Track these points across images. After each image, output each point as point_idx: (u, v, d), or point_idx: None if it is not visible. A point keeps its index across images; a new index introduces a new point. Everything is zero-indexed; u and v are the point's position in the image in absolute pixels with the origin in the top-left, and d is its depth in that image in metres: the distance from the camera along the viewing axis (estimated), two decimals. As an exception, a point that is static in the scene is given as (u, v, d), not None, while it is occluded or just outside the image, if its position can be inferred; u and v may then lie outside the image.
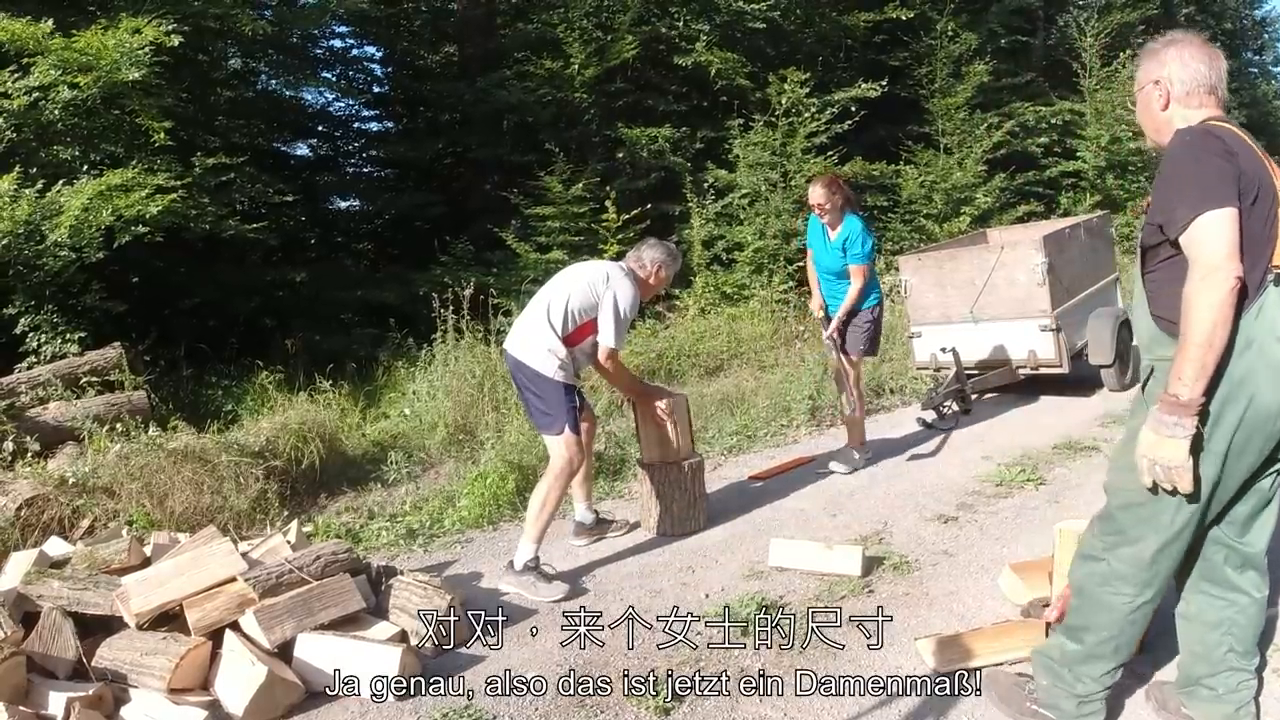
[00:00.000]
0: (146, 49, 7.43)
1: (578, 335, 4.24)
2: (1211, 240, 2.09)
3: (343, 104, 14.15)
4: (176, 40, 7.57)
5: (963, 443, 6.36)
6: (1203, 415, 2.17)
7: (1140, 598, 2.39)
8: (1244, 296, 2.13)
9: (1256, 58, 30.59)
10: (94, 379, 6.39)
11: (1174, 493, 2.22)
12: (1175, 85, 2.36)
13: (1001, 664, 3.04)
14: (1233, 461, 2.23)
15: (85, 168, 8.02)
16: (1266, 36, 31.13)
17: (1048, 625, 3.14)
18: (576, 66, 11.78)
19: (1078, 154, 16.13)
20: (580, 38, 11.81)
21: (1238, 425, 2.19)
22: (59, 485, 4.84)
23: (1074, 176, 16.38)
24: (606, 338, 4.20)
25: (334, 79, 13.28)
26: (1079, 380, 7.33)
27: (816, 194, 5.56)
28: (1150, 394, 2.31)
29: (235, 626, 3.21)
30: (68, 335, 7.08)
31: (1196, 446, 2.17)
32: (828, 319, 5.78)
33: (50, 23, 7.27)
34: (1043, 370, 7.09)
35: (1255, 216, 2.16)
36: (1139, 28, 17.67)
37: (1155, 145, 2.49)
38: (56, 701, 2.81)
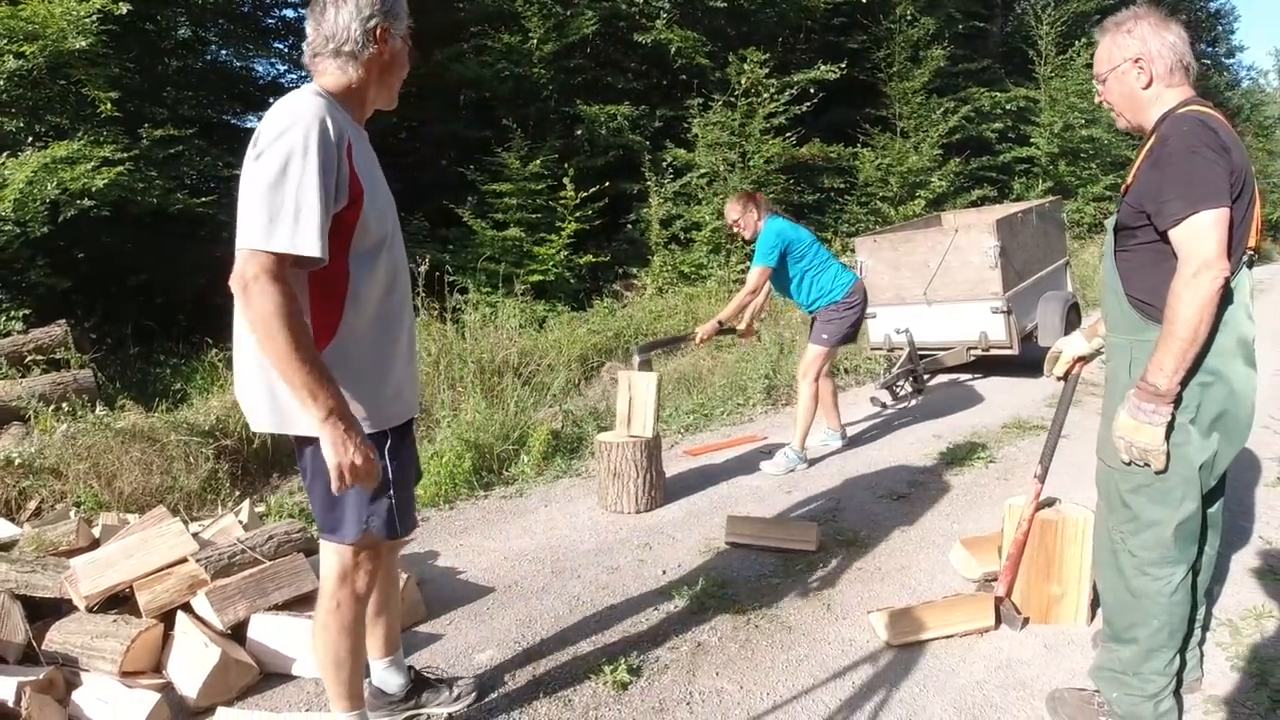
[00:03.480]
0: (93, 17, 7.23)
1: (319, 298, 2.18)
2: (1204, 240, 2.11)
3: (294, 76, 13.79)
4: (124, 8, 7.37)
5: (915, 422, 6.47)
6: (1191, 394, 2.25)
7: (1176, 575, 2.38)
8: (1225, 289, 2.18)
9: (1210, 50, 31.24)
10: (39, 357, 6.23)
11: (1167, 468, 2.29)
12: (1157, 63, 2.34)
13: (956, 634, 3.12)
14: (1224, 432, 2.31)
15: (30, 139, 7.79)
16: (1220, 29, 31.78)
17: (998, 600, 3.23)
18: (535, 41, 11.66)
19: (1031, 140, 16.41)
20: (539, 12, 11.69)
21: (1225, 398, 2.27)
22: (4, 466, 4.73)
23: (1027, 162, 16.66)
24: (248, 231, 1.99)
25: (286, 50, 12.99)
26: (1028, 362, 7.47)
27: (729, 211, 5.56)
28: (1135, 375, 2.33)
29: (187, 608, 3.17)
30: (11, 312, 6.90)
31: (1169, 430, 2.25)
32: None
33: (-6, -10, 7.05)
34: (993, 351, 7.22)
35: (1238, 210, 2.19)
36: (1094, 17, 17.95)
37: (1131, 126, 2.48)
38: (6, 686, 2.75)
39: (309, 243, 1.97)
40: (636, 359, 5.13)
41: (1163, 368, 2.19)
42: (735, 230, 5.58)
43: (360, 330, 2.21)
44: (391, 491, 2.31)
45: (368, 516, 2.29)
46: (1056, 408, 3.21)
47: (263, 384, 2.17)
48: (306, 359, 1.97)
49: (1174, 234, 2.17)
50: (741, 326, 5.66)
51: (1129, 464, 2.33)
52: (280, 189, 1.97)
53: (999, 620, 3.21)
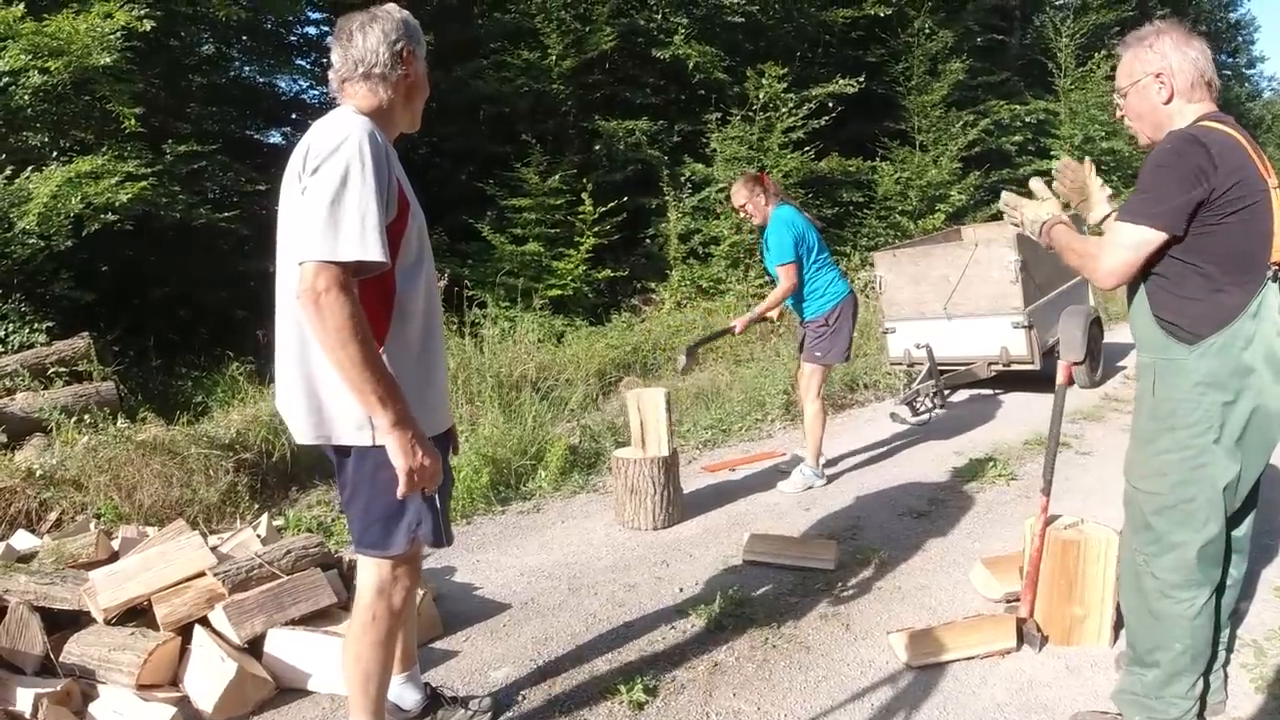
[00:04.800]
0: (118, 34, 7.33)
1: (369, 309, 2.12)
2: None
3: (317, 92, 13.95)
4: (149, 25, 7.47)
5: (935, 438, 6.41)
6: (1214, 413, 2.25)
7: (1199, 598, 2.36)
8: (1199, 308, 2.23)
9: (1230, 60, 31.08)
10: (62, 369, 6.29)
11: (1188, 491, 2.31)
12: (1178, 77, 2.34)
13: (977, 655, 3.08)
14: (1248, 452, 2.30)
15: (55, 154, 7.91)
16: (1240, 39, 31.62)
17: (1019, 621, 3.19)
18: (554, 57, 11.73)
19: (1052, 153, 16.30)
20: (558, 28, 11.76)
21: (1249, 416, 2.26)
22: (26, 477, 4.77)
23: (1048, 175, 16.54)
24: (315, 244, 2.01)
25: (308, 66, 13.14)
26: (1050, 376, 7.37)
27: (736, 195, 5.32)
28: (1160, 393, 2.34)
29: (205, 622, 3.18)
30: (35, 325, 6.97)
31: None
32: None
33: (22, 6, 7.14)
34: (1014, 366, 7.16)
35: (1246, 222, 2.18)
36: (1114, 29, 17.90)
37: (1152, 142, 2.44)
38: (24, 697, 2.77)
39: (375, 249, 2.02)
40: (683, 359, 5.28)
41: (1056, 239, 2.55)
42: (744, 215, 5.41)
43: (406, 341, 2.27)
44: (438, 500, 2.34)
45: (417, 525, 2.32)
46: (1051, 420, 3.20)
47: (307, 396, 2.22)
48: (377, 367, 2.04)
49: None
50: (774, 315, 5.60)
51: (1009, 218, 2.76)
52: (343, 200, 2.02)
53: (1020, 641, 3.16)
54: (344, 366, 2.00)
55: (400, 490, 2.10)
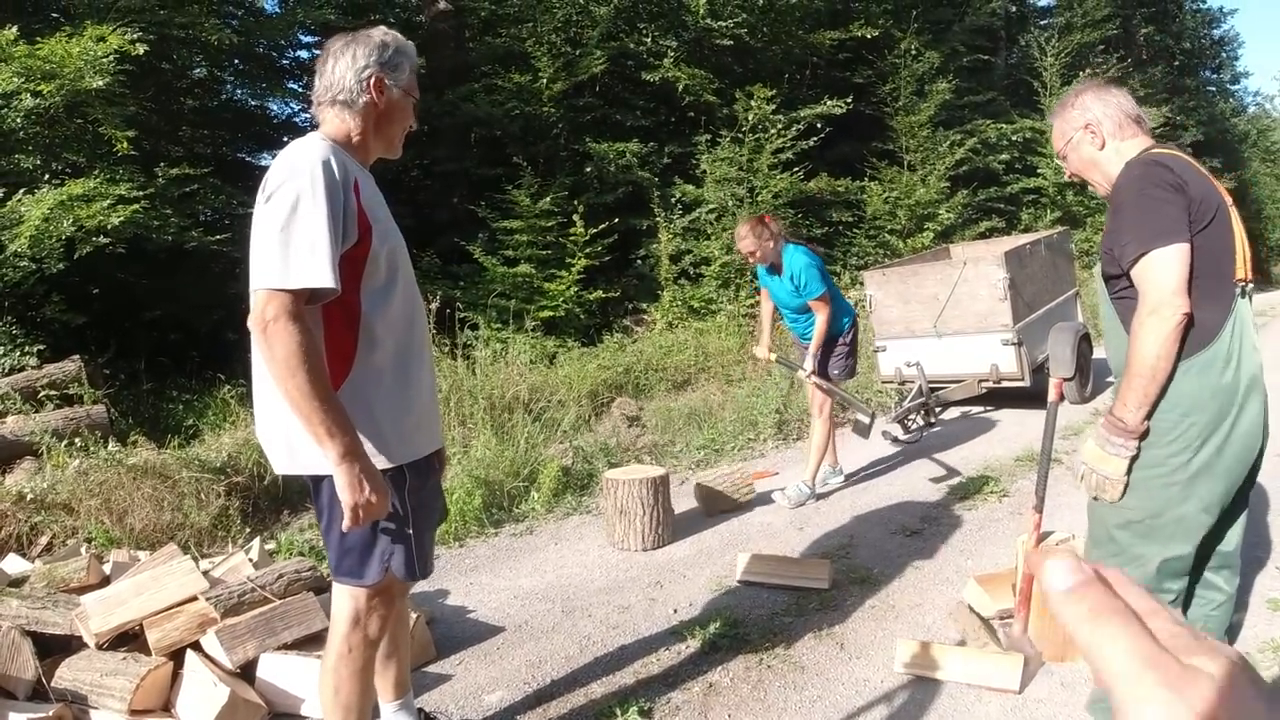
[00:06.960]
0: (111, 57, 7.35)
1: (334, 333, 2.17)
2: (1158, 277, 2.15)
3: (309, 115, 14.02)
4: (141, 49, 7.49)
5: (927, 456, 6.43)
6: (1192, 432, 2.26)
7: None
8: (1189, 327, 2.19)
9: (1214, 76, 31.46)
10: (52, 392, 6.26)
11: (1122, 499, 2.31)
12: (1105, 123, 2.41)
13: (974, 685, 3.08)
14: (1230, 471, 2.31)
15: (47, 177, 7.89)
16: (1224, 55, 32.00)
17: (1017, 637, 3.19)
18: (545, 80, 11.80)
19: (1038, 171, 16.46)
20: (549, 52, 11.84)
21: (1228, 436, 2.27)
22: (16, 501, 4.75)
23: (1035, 193, 16.71)
24: (264, 272, 2.01)
25: (300, 89, 13.21)
26: (1040, 393, 7.43)
27: (743, 243, 5.18)
28: None
29: (197, 646, 3.16)
30: (26, 348, 6.94)
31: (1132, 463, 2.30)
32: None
33: (14, 30, 7.16)
34: (1005, 383, 7.20)
35: (1214, 237, 2.20)
36: (1098, 48, 18.13)
37: (1103, 191, 2.47)
38: (14, 724, 2.75)
39: (323, 275, 1.98)
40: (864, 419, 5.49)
41: (1126, 404, 2.25)
42: (750, 260, 5.30)
43: (377, 367, 2.21)
44: (411, 531, 2.29)
45: (389, 556, 2.27)
46: (1043, 437, 3.22)
47: (280, 426, 2.20)
48: (324, 398, 1.99)
49: (1133, 275, 2.22)
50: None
51: (1094, 498, 2.37)
52: (292, 227, 1.99)
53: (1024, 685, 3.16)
54: (291, 396, 1.97)
55: (344, 525, 2.07)
